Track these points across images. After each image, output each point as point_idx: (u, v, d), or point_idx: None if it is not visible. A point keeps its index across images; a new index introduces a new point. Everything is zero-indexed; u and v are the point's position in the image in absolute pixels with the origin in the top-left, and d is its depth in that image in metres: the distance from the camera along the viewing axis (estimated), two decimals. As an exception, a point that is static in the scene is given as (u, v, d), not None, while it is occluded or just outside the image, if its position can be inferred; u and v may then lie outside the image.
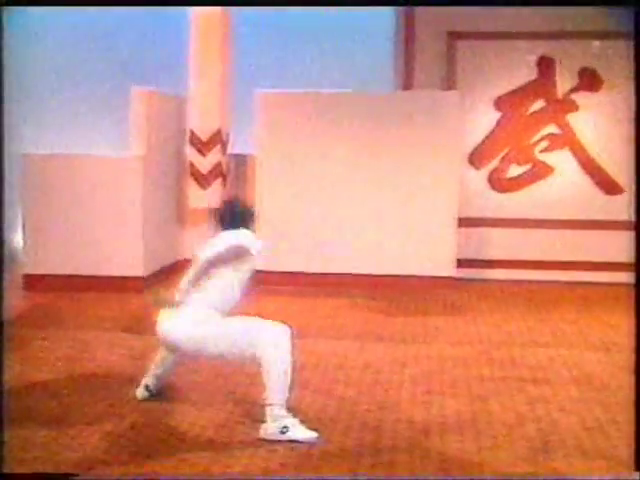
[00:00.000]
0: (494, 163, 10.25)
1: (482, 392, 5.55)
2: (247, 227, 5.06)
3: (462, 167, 10.02)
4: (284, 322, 4.89)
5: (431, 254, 9.42)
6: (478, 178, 10.25)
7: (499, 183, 10.23)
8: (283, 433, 4.52)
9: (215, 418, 4.93)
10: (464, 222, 9.73)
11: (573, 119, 10.10)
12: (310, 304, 8.52)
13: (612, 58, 10.05)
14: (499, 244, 10.10)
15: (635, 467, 3.87)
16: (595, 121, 10.09)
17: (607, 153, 10.03)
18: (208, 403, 5.21)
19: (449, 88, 10.16)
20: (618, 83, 9.99)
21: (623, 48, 9.93)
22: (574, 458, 4.37)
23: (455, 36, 10.28)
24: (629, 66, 10.02)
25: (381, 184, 9.52)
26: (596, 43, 10.13)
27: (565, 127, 10.10)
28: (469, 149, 10.25)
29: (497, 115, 10.25)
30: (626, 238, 10.03)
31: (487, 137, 10.25)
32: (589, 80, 10.08)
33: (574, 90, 10.10)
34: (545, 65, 10.17)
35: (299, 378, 5.61)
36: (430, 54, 10.29)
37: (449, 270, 9.42)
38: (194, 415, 4.98)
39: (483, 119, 10.27)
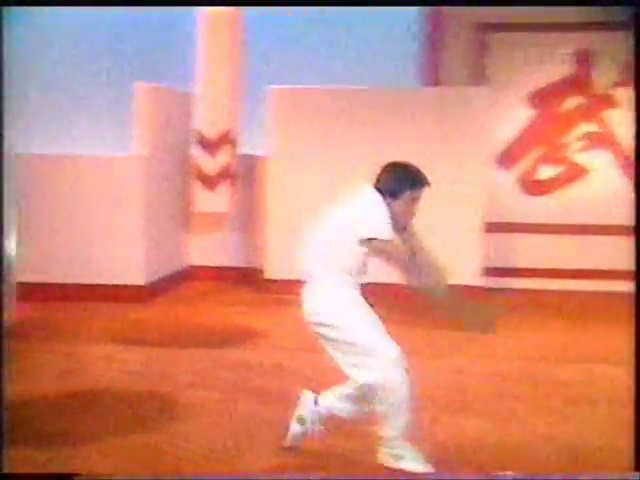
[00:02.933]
0: (525, 164, 10.06)
1: (511, 411, 5.33)
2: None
3: (490, 168, 9.83)
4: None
5: (456, 261, 9.11)
6: (507, 179, 10.07)
7: (530, 185, 10.05)
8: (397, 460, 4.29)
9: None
10: (492, 227, 9.50)
11: (613, 116, 9.88)
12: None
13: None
14: (530, 251, 9.91)
15: (635, 467, 3.82)
16: (635, 118, 9.82)
17: None
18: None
19: (478, 84, 9.97)
20: (661, 77, 9.75)
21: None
22: None
23: (485, 28, 10.10)
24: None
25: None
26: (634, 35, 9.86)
27: (603, 125, 9.91)
28: (499, 149, 10.05)
29: (530, 112, 10.06)
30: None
31: (519, 136, 10.07)
32: (629, 74, 9.81)
33: (614, 85, 9.86)
34: (582, 59, 9.98)
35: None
36: (458, 47, 10.13)
37: (475, 279, 9.21)
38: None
39: (515, 117, 10.09)
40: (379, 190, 4.41)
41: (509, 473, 4.21)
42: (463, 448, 4.65)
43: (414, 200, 4.42)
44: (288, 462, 4.36)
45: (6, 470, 3.95)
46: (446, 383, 5.96)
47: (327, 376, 5.93)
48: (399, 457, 4.27)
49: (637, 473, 3.82)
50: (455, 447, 4.66)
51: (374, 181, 4.49)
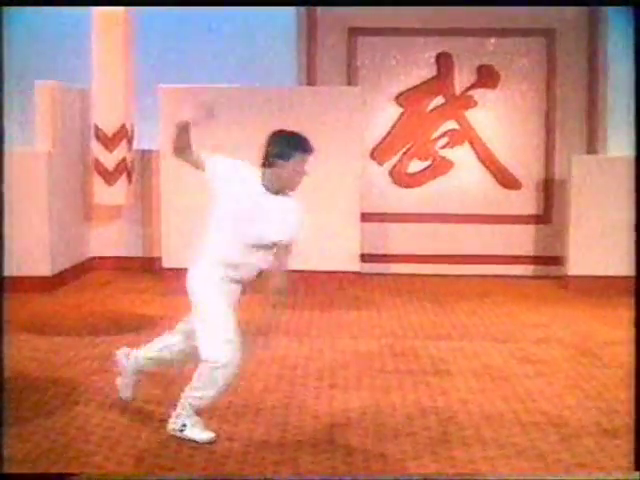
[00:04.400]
0: (396, 159, 10.36)
1: (385, 385, 5.67)
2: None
3: (364, 162, 10.11)
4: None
5: (335, 249, 9.53)
6: (380, 173, 10.36)
7: (401, 178, 10.36)
8: (181, 431, 4.56)
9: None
10: (367, 217, 9.85)
11: (472, 115, 10.30)
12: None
13: (510, 55, 10.31)
14: (401, 239, 10.23)
15: (635, 467, 3.92)
16: (493, 117, 10.34)
17: (505, 148, 10.28)
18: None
19: (351, 84, 10.26)
20: (515, 80, 10.29)
21: (520, 45, 10.26)
22: (473, 447, 4.52)
23: (356, 32, 10.37)
24: (526, 63, 10.38)
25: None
26: (493, 40, 10.36)
27: (464, 123, 10.31)
28: (371, 145, 10.34)
29: (398, 111, 10.38)
30: (524, 231, 10.37)
31: (389, 133, 10.37)
32: (486, 77, 10.31)
33: (472, 87, 10.32)
34: (444, 62, 10.33)
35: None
36: (332, 50, 10.37)
37: (353, 265, 9.55)
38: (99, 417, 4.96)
39: (385, 115, 10.38)
40: (270, 156, 4.51)
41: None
42: (349, 420, 4.93)
43: (303, 162, 4.54)
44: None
45: (6, 470, 3.94)
46: (331, 361, 6.26)
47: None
48: (184, 426, 4.54)
49: (637, 473, 3.89)
50: (342, 418, 4.94)
51: (263, 151, 4.57)
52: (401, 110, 10.38)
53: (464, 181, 10.27)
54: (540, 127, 10.30)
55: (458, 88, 10.33)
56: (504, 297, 8.87)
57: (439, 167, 10.33)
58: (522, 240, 10.27)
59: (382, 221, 10.22)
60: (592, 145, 10.19)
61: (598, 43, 10.18)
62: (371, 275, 9.81)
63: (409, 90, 10.38)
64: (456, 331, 7.37)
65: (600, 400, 5.39)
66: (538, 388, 5.66)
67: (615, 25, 10.07)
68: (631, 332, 7.35)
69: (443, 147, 10.31)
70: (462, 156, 10.29)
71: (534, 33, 10.29)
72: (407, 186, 10.34)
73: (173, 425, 4.60)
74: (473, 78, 10.32)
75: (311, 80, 10.38)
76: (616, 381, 5.78)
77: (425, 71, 10.37)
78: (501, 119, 10.32)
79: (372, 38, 10.40)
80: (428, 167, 10.35)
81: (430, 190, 10.33)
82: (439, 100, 10.35)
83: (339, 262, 9.54)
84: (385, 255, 10.22)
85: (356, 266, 9.58)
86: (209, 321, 4.51)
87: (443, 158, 10.32)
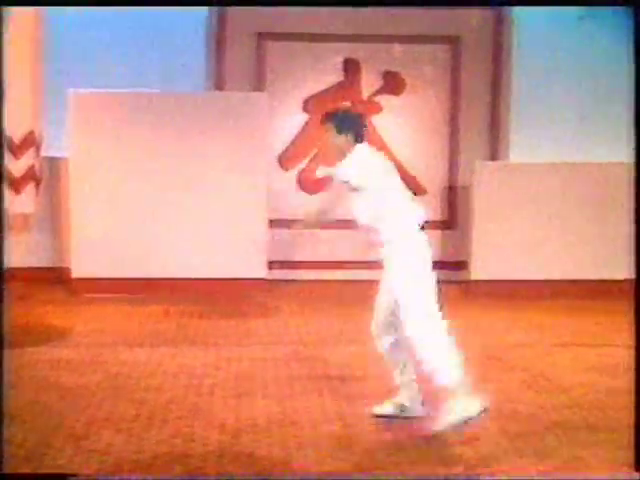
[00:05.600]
0: (302, 165, 10.57)
1: (291, 392, 5.82)
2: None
3: (271, 169, 10.27)
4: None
5: (243, 256, 9.68)
6: (287, 179, 10.55)
7: (307, 184, 10.57)
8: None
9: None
10: (274, 223, 9.99)
11: (378, 121, 10.57)
12: (125, 311, 8.59)
13: (415, 62, 10.61)
14: (309, 245, 10.43)
15: (635, 467, 4.01)
16: (398, 123, 10.64)
17: (410, 154, 10.56)
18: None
19: (259, 89, 10.41)
20: (420, 86, 10.61)
21: (426, 52, 10.58)
22: (377, 453, 4.72)
23: (264, 37, 10.53)
24: (431, 70, 10.72)
25: (192, 187, 9.65)
26: (398, 47, 10.66)
27: (370, 129, 10.50)
28: (278, 151, 10.52)
29: (305, 117, 10.58)
30: (429, 237, 10.59)
31: (295, 139, 10.57)
32: (392, 83, 10.61)
33: (378, 92, 10.61)
34: (351, 67, 10.61)
35: (111, 388, 5.75)
36: (240, 55, 10.51)
37: (261, 272, 9.72)
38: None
39: (292, 121, 10.58)
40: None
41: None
42: (256, 427, 5.05)
43: None
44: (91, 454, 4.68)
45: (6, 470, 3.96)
46: (238, 370, 6.38)
47: (134, 368, 6.35)
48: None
49: (637, 473, 3.98)
50: (248, 427, 5.06)
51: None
52: (308, 116, 10.57)
53: None
54: (444, 133, 10.66)
55: (365, 94, 10.60)
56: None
57: (346, 173, 10.52)
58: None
59: (289, 227, 10.28)
60: (495, 151, 10.59)
61: (502, 51, 10.57)
62: (279, 282, 9.99)
63: (316, 96, 10.58)
64: (362, 336, 7.54)
65: (505, 403, 5.64)
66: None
67: (520, 33, 10.44)
68: (535, 335, 7.77)
69: (349, 153, 10.52)
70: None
71: (439, 40, 10.63)
72: (314, 192, 10.47)
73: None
74: (379, 84, 10.60)
75: (220, 85, 10.48)
76: (518, 384, 6.08)
77: (332, 77, 10.61)
78: (406, 125, 10.63)
79: (281, 43, 10.57)
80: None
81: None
82: (346, 106, 10.53)
83: (246, 269, 9.69)
84: (293, 262, 10.41)
85: (263, 273, 9.74)
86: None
87: (349, 164, 10.52)
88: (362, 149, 4.99)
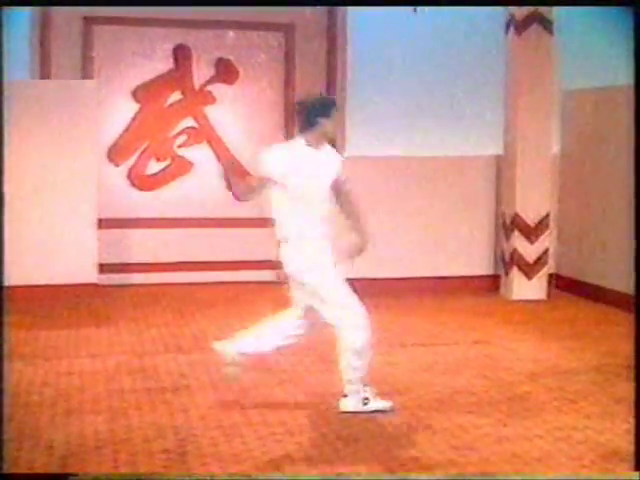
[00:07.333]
0: (133, 159, 10.46)
1: (123, 406, 5.94)
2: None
3: (101, 163, 10.13)
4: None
5: (70, 260, 9.58)
6: (118, 175, 10.41)
7: (139, 180, 10.50)
8: (365, 404, 5.67)
9: None
10: (105, 223, 9.89)
11: (211, 112, 10.62)
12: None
13: (248, 49, 10.70)
14: (142, 246, 10.34)
15: (635, 467, 4.15)
16: (232, 114, 10.71)
17: (244, 147, 10.51)
18: None
19: (86, 77, 10.21)
20: (254, 75, 10.74)
21: (259, 39, 10.70)
22: (211, 465, 4.94)
23: (91, 21, 10.31)
24: (264, 58, 10.86)
25: (16, 182, 9.39)
26: (231, 33, 10.75)
27: (203, 120, 10.62)
28: (107, 144, 10.35)
29: (135, 107, 10.48)
30: (263, 235, 10.69)
31: (125, 130, 10.44)
32: (225, 72, 10.68)
33: (210, 81, 10.65)
34: (181, 54, 10.55)
35: None
36: (66, 40, 10.24)
37: (90, 276, 9.66)
38: None
39: (121, 111, 10.43)
40: (312, 117, 5.60)
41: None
42: (84, 447, 5.15)
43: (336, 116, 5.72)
44: None
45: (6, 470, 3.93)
46: (66, 385, 6.44)
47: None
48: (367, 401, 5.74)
49: (637, 473, 4.09)
50: (77, 447, 5.15)
51: (303, 117, 5.66)
52: (138, 106, 10.50)
53: (206, 182, 10.31)
54: (279, 125, 10.71)
55: (197, 83, 10.63)
56: (250, 302, 9.25)
57: (178, 167, 10.54)
58: (263, 245, 10.58)
59: (121, 227, 10.27)
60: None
61: (337, 39, 10.74)
62: (111, 287, 9.89)
63: (146, 84, 10.47)
64: (198, 343, 7.74)
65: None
66: (279, 397, 6.20)
67: (355, 21, 10.69)
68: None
69: (181, 146, 10.54)
70: (202, 156, 10.52)
71: (273, 28, 10.76)
72: (146, 189, 10.49)
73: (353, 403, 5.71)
74: (211, 73, 10.60)
75: (45, 73, 10.18)
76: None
77: (162, 64, 10.51)
78: (240, 116, 10.66)
79: (109, 27, 10.37)
80: (167, 167, 10.54)
81: (171, 193, 10.52)
82: (177, 95, 10.56)
83: (74, 274, 9.58)
84: (125, 264, 10.27)
85: (93, 277, 9.69)
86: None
87: (182, 158, 10.55)
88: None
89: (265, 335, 5.88)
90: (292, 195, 5.60)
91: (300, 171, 5.56)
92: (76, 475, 4.42)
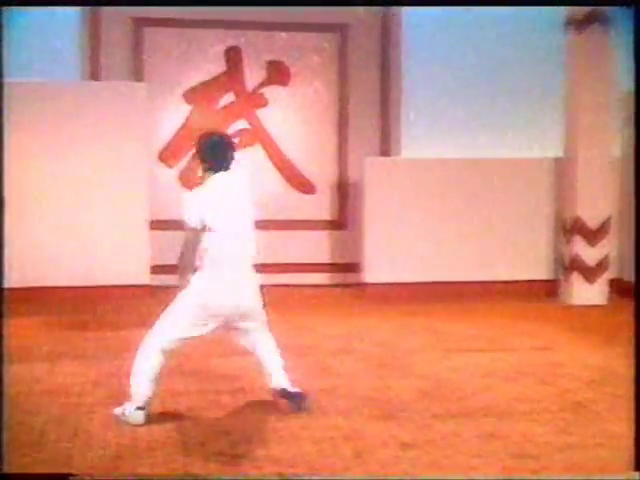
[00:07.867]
0: (185, 160, 10.49)
1: (176, 408, 5.94)
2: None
3: (153, 165, 10.22)
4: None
5: (123, 262, 9.64)
6: (170, 177, 10.48)
7: (191, 182, 10.47)
8: (123, 415, 5.60)
9: None
10: (157, 225, 9.92)
11: (263, 114, 10.66)
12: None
13: (300, 51, 10.72)
14: None
15: (635, 467, 4.12)
16: (284, 116, 10.71)
17: (298, 149, 10.64)
18: None
19: (137, 79, 10.30)
20: (306, 77, 10.71)
21: (311, 40, 10.67)
22: (264, 467, 4.89)
23: (141, 22, 10.42)
24: (317, 59, 10.85)
25: (67, 184, 9.53)
26: (283, 35, 10.74)
27: (255, 122, 10.65)
28: (159, 146, 10.45)
29: (187, 109, 10.55)
30: (321, 237, 10.79)
31: (177, 133, 10.53)
32: (277, 73, 10.68)
33: (263, 84, 10.66)
34: (233, 57, 10.63)
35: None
36: (116, 41, 10.34)
37: (143, 278, 9.73)
38: None
39: (173, 113, 10.53)
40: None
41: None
42: (137, 449, 5.11)
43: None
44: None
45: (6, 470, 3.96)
46: (119, 386, 6.28)
47: (7, 388, 6.32)
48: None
49: (637, 473, 4.08)
50: (131, 448, 5.15)
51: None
52: (190, 108, 10.55)
53: (256, 185, 10.35)
54: (333, 127, 10.76)
55: (249, 85, 10.63)
56: (303, 308, 9.26)
57: (230, 170, 10.57)
58: (320, 247, 10.68)
59: (174, 229, 10.25)
60: (386, 146, 10.78)
61: (391, 39, 10.72)
62: (163, 288, 9.90)
63: (197, 86, 10.55)
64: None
65: (399, 411, 5.90)
66: (333, 403, 6.13)
67: (410, 22, 10.63)
68: (431, 339, 8.07)
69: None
70: (254, 158, 10.52)
71: (326, 28, 10.75)
72: (200, 190, 10.50)
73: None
74: (263, 75, 10.65)
75: (95, 75, 10.29)
76: (412, 392, 6.34)
77: (214, 66, 10.58)
78: (293, 118, 10.70)
79: (158, 29, 10.46)
80: (219, 169, 10.56)
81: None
82: (229, 97, 10.64)
83: (128, 275, 9.65)
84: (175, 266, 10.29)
85: (146, 279, 9.74)
86: None
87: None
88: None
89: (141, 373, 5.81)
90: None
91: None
92: (76, 475, 4.38)
